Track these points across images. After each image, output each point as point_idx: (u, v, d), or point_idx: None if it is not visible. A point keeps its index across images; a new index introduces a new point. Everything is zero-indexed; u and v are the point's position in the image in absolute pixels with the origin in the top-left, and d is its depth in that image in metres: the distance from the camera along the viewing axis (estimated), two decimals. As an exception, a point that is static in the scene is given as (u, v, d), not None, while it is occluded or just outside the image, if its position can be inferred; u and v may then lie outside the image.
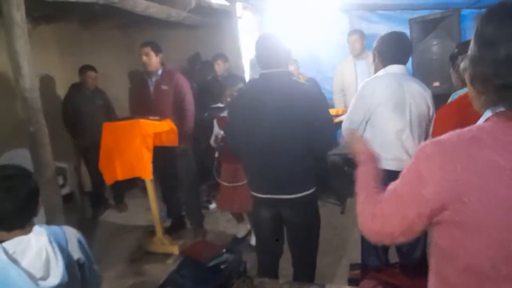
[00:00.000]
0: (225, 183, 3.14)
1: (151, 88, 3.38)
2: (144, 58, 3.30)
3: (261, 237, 2.25)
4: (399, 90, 2.06)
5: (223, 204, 3.23)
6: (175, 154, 3.35)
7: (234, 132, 2.14)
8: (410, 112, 2.06)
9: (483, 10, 0.89)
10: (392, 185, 0.92)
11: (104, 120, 4.00)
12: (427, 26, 3.81)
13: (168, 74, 3.38)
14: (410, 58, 3.85)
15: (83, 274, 1.33)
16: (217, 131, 3.17)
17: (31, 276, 1.14)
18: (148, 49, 3.28)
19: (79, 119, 4.06)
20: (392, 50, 2.11)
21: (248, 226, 3.40)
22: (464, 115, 1.66)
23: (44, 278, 1.17)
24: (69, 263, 1.25)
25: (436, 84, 3.74)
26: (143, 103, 3.40)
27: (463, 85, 1.83)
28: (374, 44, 2.20)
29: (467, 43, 0.96)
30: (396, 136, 2.07)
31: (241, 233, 3.42)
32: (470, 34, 3.90)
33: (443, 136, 0.82)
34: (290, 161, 1.95)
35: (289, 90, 1.93)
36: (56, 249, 1.22)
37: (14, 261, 1.14)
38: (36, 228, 1.25)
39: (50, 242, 1.22)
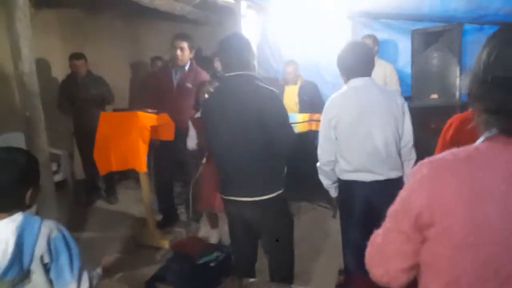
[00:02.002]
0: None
1: (174, 83, 3.29)
2: (179, 52, 3.20)
3: (233, 238, 2.25)
4: (359, 104, 2.04)
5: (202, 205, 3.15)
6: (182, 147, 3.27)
7: (206, 134, 2.17)
8: (372, 126, 2.03)
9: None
10: (390, 206, 0.93)
11: (99, 107, 4.01)
12: (429, 38, 3.83)
13: (194, 71, 3.30)
14: (409, 69, 3.95)
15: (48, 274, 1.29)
16: (193, 133, 3.03)
17: None
18: (184, 44, 3.21)
19: (72, 107, 4.06)
20: (352, 63, 2.08)
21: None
22: (461, 130, 1.68)
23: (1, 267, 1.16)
24: (31, 260, 1.22)
25: (434, 96, 3.77)
26: (163, 97, 3.27)
27: None
28: (337, 57, 2.16)
29: None
30: (360, 150, 2.05)
31: (213, 239, 3.28)
32: (471, 48, 3.95)
33: (439, 155, 0.84)
34: (250, 163, 1.95)
35: (248, 93, 1.93)
36: (15, 240, 1.19)
37: None
38: (14, 215, 1.24)
39: (16, 232, 1.20)
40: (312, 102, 4.18)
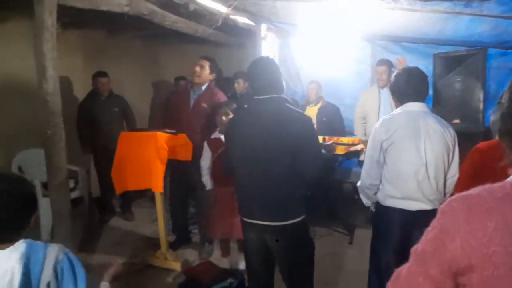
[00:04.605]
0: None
1: (191, 102, 3.32)
2: (197, 68, 3.25)
3: (250, 263, 2.19)
4: (414, 128, 2.00)
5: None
6: (192, 167, 3.28)
7: (228, 156, 2.14)
8: (425, 152, 1.98)
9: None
10: (416, 245, 0.86)
11: (119, 126, 4.05)
12: (451, 62, 3.77)
13: (210, 92, 3.32)
14: (431, 93, 3.87)
15: None
16: (208, 154, 3.03)
17: None
18: (204, 62, 3.27)
19: (93, 125, 4.09)
20: (409, 88, 2.06)
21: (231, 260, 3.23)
22: (485, 163, 1.61)
23: None
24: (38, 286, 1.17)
25: (456, 121, 3.68)
26: (179, 114, 3.34)
27: None
28: (391, 80, 2.17)
29: None
30: (410, 176, 2.00)
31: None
32: (494, 73, 3.84)
33: (472, 191, 0.77)
34: (276, 187, 1.92)
35: (278, 116, 1.91)
36: (21, 270, 1.15)
37: None
38: (18, 244, 1.19)
39: (21, 261, 1.16)
40: (331, 125, 4.15)
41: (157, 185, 2.92)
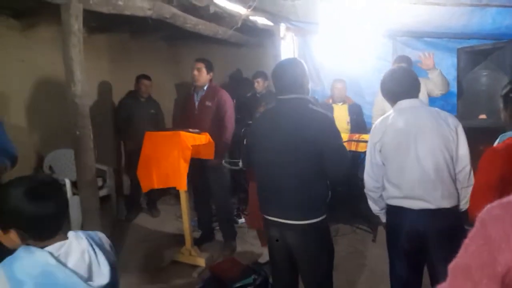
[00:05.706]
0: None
1: (196, 103, 3.49)
2: (196, 72, 3.44)
3: (273, 260, 2.20)
4: (404, 126, 1.95)
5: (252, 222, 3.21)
6: (210, 167, 3.40)
7: (247, 152, 2.18)
8: (417, 148, 1.91)
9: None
10: (454, 260, 0.76)
11: (154, 128, 4.19)
12: (477, 57, 3.67)
13: (213, 90, 3.48)
14: (456, 88, 3.79)
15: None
16: None
17: (80, 276, 1.14)
18: (201, 65, 3.44)
19: (131, 124, 4.27)
20: (398, 87, 2.03)
21: None
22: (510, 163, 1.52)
23: (89, 280, 1.17)
24: (111, 265, 1.26)
25: (483, 116, 3.58)
26: (187, 117, 3.52)
27: None
28: (380, 85, 2.13)
29: None
30: (407, 174, 1.94)
31: (264, 258, 3.26)
32: (523, 67, 3.69)
33: None
34: (296, 186, 1.92)
35: (301, 115, 1.92)
36: (98, 251, 1.23)
37: (61, 263, 1.14)
38: (72, 233, 1.25)
39: (91, 245, 1.23)
40: (358, 123, 4.17)
41: (181, 184, 2.99)
